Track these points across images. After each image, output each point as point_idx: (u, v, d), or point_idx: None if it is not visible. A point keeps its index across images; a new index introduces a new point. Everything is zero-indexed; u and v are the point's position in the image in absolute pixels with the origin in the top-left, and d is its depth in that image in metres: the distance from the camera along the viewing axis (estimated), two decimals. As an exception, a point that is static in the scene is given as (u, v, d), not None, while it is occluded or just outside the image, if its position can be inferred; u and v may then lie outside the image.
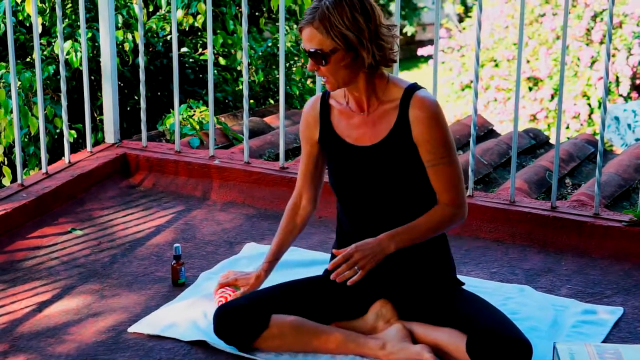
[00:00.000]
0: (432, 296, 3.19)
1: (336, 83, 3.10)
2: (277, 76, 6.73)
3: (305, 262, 3.90)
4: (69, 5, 5.84)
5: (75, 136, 5.44)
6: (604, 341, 3.35)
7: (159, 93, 6.28)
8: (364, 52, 3.04)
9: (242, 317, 3.14)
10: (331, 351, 3.16)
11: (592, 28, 11.10)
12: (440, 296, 3.18)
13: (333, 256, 3.24)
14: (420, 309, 3.20)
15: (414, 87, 3.13)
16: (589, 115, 11.02)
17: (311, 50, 3.05)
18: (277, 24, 7.15)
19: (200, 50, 6.54)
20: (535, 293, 3.66)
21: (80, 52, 5.48)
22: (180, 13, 6.13)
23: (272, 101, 6.86)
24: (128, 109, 6.16)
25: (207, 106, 5.32)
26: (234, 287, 3.51)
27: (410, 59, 16.80)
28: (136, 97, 6.11)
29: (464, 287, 3.28)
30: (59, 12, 4.59)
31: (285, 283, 3.33)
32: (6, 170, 5.18)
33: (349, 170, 3.19)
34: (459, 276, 3.33)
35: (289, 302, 3.21)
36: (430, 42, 14.81)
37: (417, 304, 3.21)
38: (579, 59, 11.05)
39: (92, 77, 5.76)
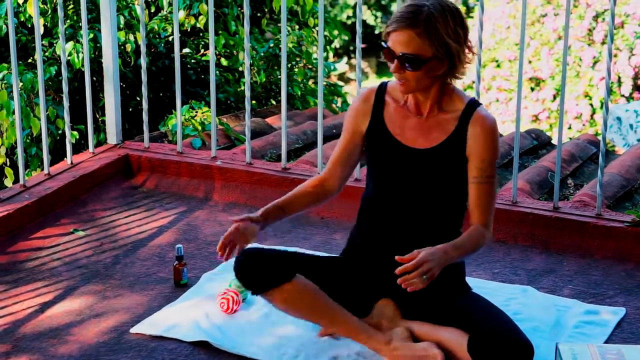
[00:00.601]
0: (438, 297, 3.19)
1: (414, 88, 3.07)
2: (279, 77, 6.73)
3: (307, 262, 3.90)
4: (71, 6, 5.84)
5: (78, 137, 5.44)
6: (606, 342, 3.35)
7: (161, 94, 6.28)
8: (458, 64, 3.03)
9: (270, 263, 3.11)
10: (338, 332, 3.15)
11: (594, 28, 11.09)
12: (446, 297, 3.18)
13: (335, 257, 3.25)
14: (425, 309, 3.20)
15: (475, 102, 3.13)
16: (591, 116, 11.02)
17: (406, 54, 2.99)
18: (279, 24, 7.15)
19: (202, 51, 6.54)
20: (538, 293, 3.66)
21: (82, 53, 5.48)
22: (182, 14, 6.13)
23: (274, 102, 6.86)
24: (130, 109, 6.16)
25: (209, 107, 5.31)
26: (237, 289, 3.52)
27: (412, 60, 16.72)
28: (138, 98, 6.11)
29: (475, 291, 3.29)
30: (60, 13, 4.59)
31: (311, 254, 3.31)
32: (8, 171, 5.19)
33: (394, 168, 3.18)
34: (463, 279, 3.34)
35: (312, 271, 3.18)
36: (432, 42, 14.75)
37: (422, 304, 3.21)
38: (580, 59, 11.04)
39: (94, 78, 5.76)
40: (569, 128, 11.02)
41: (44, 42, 5.78)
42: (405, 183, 3.17)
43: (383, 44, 3.06)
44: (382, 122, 3.19)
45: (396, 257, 2.97)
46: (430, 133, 3.14)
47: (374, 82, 16.59)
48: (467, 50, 3.06)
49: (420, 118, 3.15)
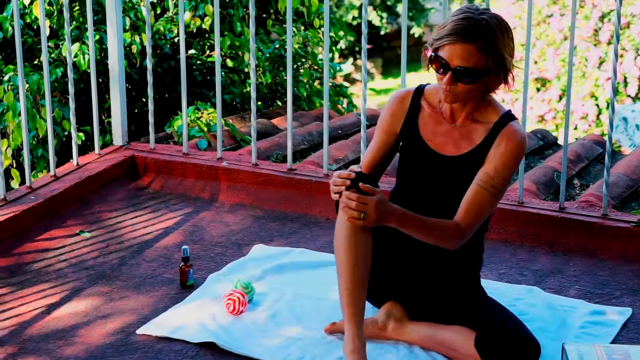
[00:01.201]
0: (446, 297, 3.19)
1: (461, 99, 3.05)
2: (285, 78, 6.73)
3: (313, 263, 3.90)
4: (77, 7, 5.85)
5: (84, 138, 5.45)
6: (612, 342, 3.35)
7: (166, 95, 6.29)
8: (510, 78, 3.02)
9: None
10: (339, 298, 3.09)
11: (600, 28, 11.08)
12: (454, 297, 3.18)
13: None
14: (434, 309, 3.20)
15: (510, 116, 3.11)
16: (597, 116, 11.00)
17: (463, 67, 2.96)
18: (284, 25, 7.15)
19: (207, 52, 6.54)
20: (544, 294, 3.65)
21: (88, 54, 5.49)
22: (187, 15, 6.13)
23: (279, 103, 6.86)
24: (136, 111, 6.16)
25: (215, 108, 5.32)
26: (242, 290, 3.52)
27: (418, 61, 16.75)
28: (144, 100, 6.11)
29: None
30: (66, 14, 4.60)
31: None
32: (14, 172, 5.19)
33: (421, 171, 3.19)
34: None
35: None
36: (438, 43, 14.73)
37: (432, 304, 3.21)
38: (586, 59, 11.03)
39: (100, 80, 5.77)
40: (575, 128, 11.01)
41: (50, 43, 5.79)
42: (430, 187, 3.18)
43: (431, 52, 3.01)
44: (416, 125, 3.18)
45: (360, 184, 2.95)
46: (460, 141, 3.13)
47: (379, 83, 16.58)
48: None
49: (453, 126, 3.14)
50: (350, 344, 3.00)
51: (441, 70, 3.00)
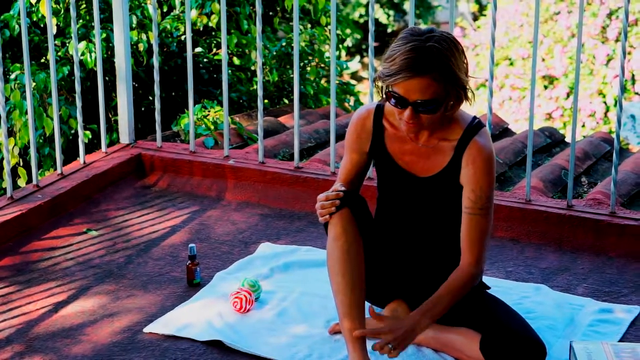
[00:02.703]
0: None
1: (425, 128, 2.99)
2: (292, 76, 6.72)
3: (320, 261, 3.89)
4: (83, 6, 5.84)
5: (90, 137, 5.45)
6: (620, 340, 3.34)
7: (173, 93, 6.29)
8: (469, 95, 2.95)
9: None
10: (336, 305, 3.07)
11: (608, 26, 11.06)
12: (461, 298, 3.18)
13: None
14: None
15: (474, 129, 3.04)
16: (605, 114, 10.98)
17: (423, 101, 2.89)
18: (291, 23, 7.15)
19: (214, 50, 6.54)
20: (552, 292, 3.65)
21: (95, 52, 5.48)
22: (194, 13, 6.13)
23: (286, 101, 6.86)
24: (142, 109, 6.16)
25: (222, 106, 5.31)
26: (249, 289, 3.52)
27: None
28: (150, 98, 6.11)
29: (489, 290, 3.28)
30: (73, 13, 4.60)
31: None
32: (21, 171, 5.19)
33: (396, 190, 3.17)
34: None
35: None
36: (445, 41, 14.71)
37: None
38: (594, 57, 11.01)
39: (107, 78, 5.77)
40: (583, 126, 10.99)
41: (56, 42, 5.79)
42: (407, 204, 3.17)
43: (385, 89, 2.94)
44: (383, 145, 3.14)
45: (370, 310, 2.93)
46: (428, 160, 3.09)
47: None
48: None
49: (417, 144, 3.09)
50: None
51: (399, 106, 2.93)
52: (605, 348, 3.11)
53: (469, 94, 2.96)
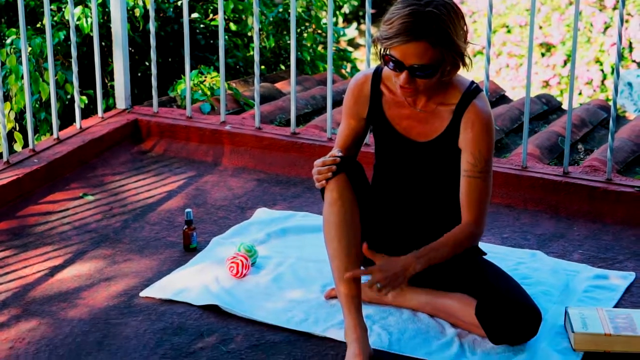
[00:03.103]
0: (449, 264, 3.19)
1: (420, 92, 2.98)
2: (288, 42, 6.70)
3: (316, 227, 3.89)
4: (80, -30, 5.82)
5: (86, 102, 5.43)
6: (615, 306, 3.35)
7: (169, 59, 6.27)
8: (466, 61, 2.95)
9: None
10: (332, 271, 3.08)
11: (605, -7, 11.02)
12: (454, 263, 3.18)
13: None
14: (434, 275, 3.20)
15: (472, 93, 3.04)
16: (602, 82, 10.96)
17: (420, 66, 2.88)
18: (288, -11, 7.11)
19: (211, 15, 6.51)
20: (547, 258, 3.65)
21: (91, 17, 5.46)
22: (191, -22, 6.10)
23: (283, 67, 6.84)
24: (139, 75, 6.14)
25: (218, 72, 5.30)
26: (246, 254, 3.52)
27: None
28: (147, 63, 6.09)
29: (485, 256, 3.28)
30: (69, -23, 4.57)
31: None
32: (18, 135, 5.18)
33: (394, 155, 3.17)
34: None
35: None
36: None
37: (432, 270, 3.21)
38: (591, 24, 10.97)
39: (103, 43, 5.75)
40: (580, 94, 10.97)
41: (52, 6, 5.76)
42: (405, 170, 3.17)
43: (382, 52, 2.93)
44: (381, 110, 3.13)
45: (364, 249, 2.93)
46: (426, 124, 3.08)
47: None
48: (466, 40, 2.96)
49: (415, 109, 3.09)
50: (352, 334, 2.98)
51: (396, 69, 2.92)
52: (600, 314, 3.12)
53: (467, 61, 2.96)
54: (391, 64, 2.93)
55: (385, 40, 2.89)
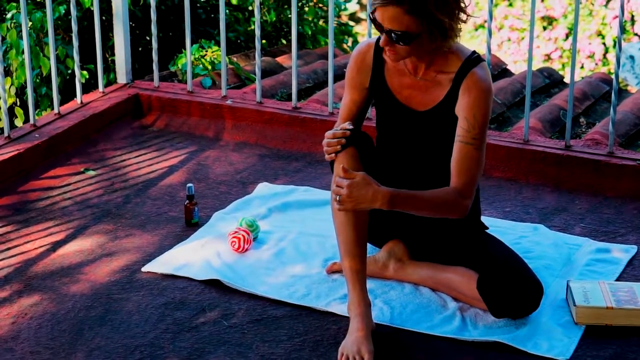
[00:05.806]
0: (448, 237, 3.18)
1: (402, 58, 2.98)
2: (290, 16, 6.68)
3: (318, 202, 3.90)
4: (80, -56, 5.79)
5: (87, 77, 5.43)
6: (617, 279, 3.35)
7: (170, 33, 6.25)
8: (451, 34, 2.91)
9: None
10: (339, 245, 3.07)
11: (608, -34, 10.98)
12: (456, 237, 3.18)
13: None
14: (436, 249, 3.20)
15: (473, 61, 3.02)
16: (604, 55, 10.94)
17: (395, 31, 2.87)
18: (289, -37, 7.08)
19: (211, -11, 6.49)
20: (549, 232, 3.65)
21: (91, -8, 5.44)
22: (191, -48, 6.07)
23: (284, 41, 6.82)
24: (140, 49, 6.13)
25: (219, 46, 5.29)
26: (247, 229, 3.52)
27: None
28: (148, 38, 6.08)
29: (487, 230, 3.27)
30: (69, -49, 4.56)
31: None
32: (18, 110, 5.18)
33: (394, 124, 3.16)
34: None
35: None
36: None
37: (434, 244, 3.21)
38: (594, -3, 10.94)
39: (104, 17, 5.73)
40: (582, 67, 10.95)
41: (52, -19, 5.74)
42: (406, 140, 3.15)
43: (369, 13, 2.94)
44: (383, 79, 3.13)
45: (342, 166, 2.89)
46: (426, 93, 3.07)
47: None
48: (463, 14, 2.93)
49: (416, 77, 3.08)
50: (355, 308, 2.97)
51: (378, 30, 2.92)
52: (602, 287, 3.12)
53: (452, 34, 2.92)
54: (375, 25, 2.93)
55: (373, 0, 2.93)
